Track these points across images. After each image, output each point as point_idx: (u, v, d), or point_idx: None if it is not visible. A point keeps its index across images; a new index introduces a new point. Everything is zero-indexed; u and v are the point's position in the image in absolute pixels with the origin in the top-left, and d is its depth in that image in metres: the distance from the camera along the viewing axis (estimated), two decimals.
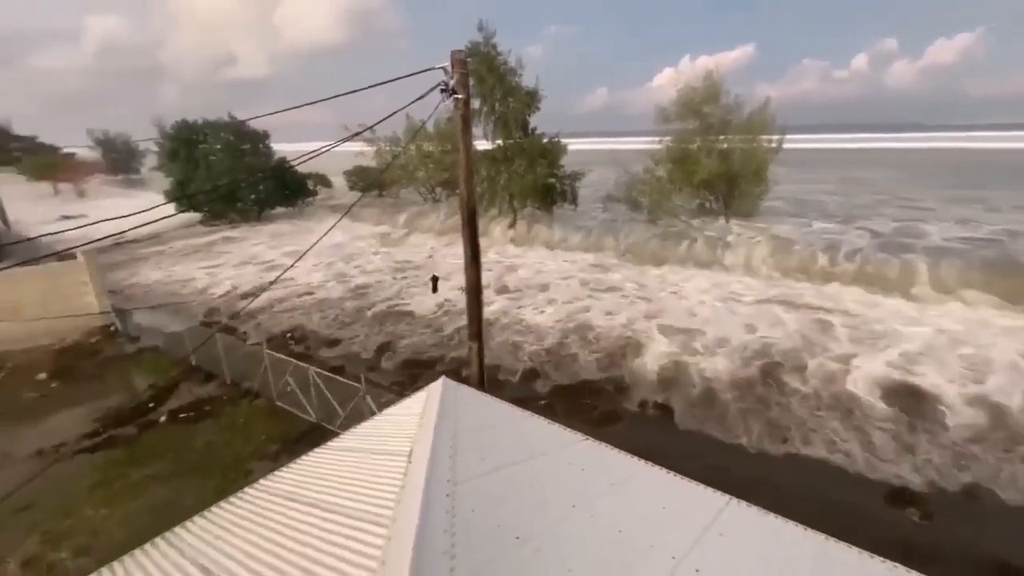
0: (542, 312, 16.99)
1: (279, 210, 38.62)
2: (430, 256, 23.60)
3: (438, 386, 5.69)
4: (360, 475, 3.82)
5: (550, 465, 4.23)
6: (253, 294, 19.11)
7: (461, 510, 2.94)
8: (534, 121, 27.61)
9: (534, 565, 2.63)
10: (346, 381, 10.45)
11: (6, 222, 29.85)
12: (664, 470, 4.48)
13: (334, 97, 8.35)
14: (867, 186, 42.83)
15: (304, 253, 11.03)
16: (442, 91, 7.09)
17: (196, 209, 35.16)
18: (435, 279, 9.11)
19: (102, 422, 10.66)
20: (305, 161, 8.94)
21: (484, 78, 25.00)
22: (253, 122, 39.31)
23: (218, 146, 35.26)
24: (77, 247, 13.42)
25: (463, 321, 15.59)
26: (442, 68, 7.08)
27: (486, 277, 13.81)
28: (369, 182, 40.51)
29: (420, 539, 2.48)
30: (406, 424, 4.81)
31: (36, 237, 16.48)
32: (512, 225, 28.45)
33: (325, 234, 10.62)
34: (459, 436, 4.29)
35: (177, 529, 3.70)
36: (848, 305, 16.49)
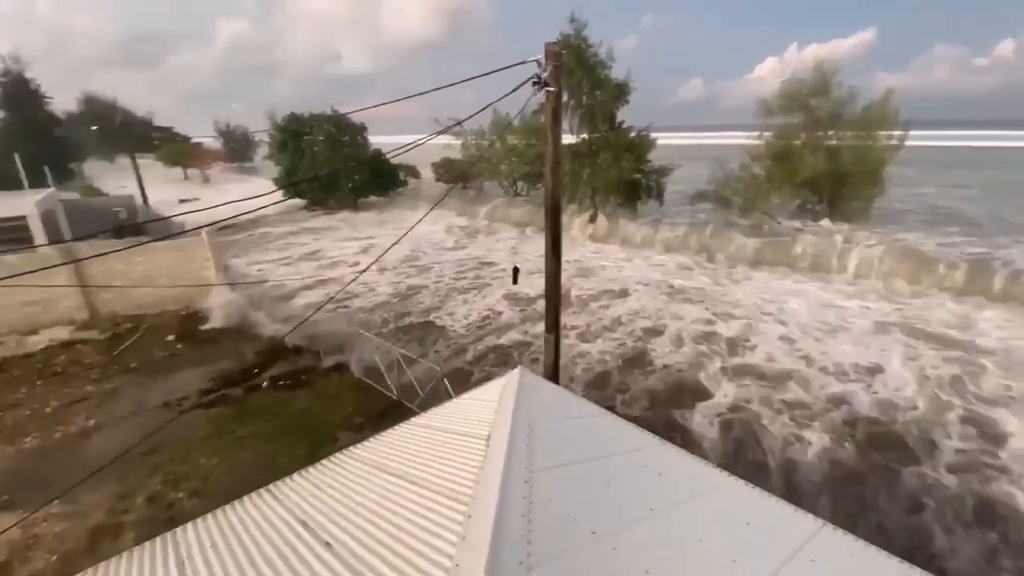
0: (597, 337, 14.51)
1: (372, 198, 40.94)
2: (514, 248, 23.69)
3: (515, 375, 5.76)
4: (440, 452, 3.97)
5: (627, 465, 4.14)
6: (289, 298, 18.81)
7: (538, 498, 2.96)
8: (622, 114, 27.01)
9: (610, 562, 2.60)
10: (426, 363, 10.99)
11: (146, 202, 34.28)
12: (749, 485, 4.22)
13: (429, 92, 8.71)
14: (1020, 192, 36.49)
15: (377, 258, 11.59)
16: (534, 84, 7.14)
17: (300, 196, 38.28)
18: (516, 270, 9.21)
19: (216, 382, 11.99)
20: (400, 153, 9.38)
21: (573, 71, 24.80)
22: (353, 115, 41.86)
23: (321, 138, 38.06)
24: (194, 229, 15.14)
25: (497, 340, 14.49)
26: (535, 61, 7.13)
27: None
28: (455, 174, 41.79)
29: (499, 521, 2.54)
30: (483, 409, 4.92)
31: (167, 217, 18.86)
32: (592, 220, 28.07)
33: (406, 233, 11.12)
34: (535, 426, 4.32)
35: (279, 483, 4.07)
36: (1008, 342, 13.12)
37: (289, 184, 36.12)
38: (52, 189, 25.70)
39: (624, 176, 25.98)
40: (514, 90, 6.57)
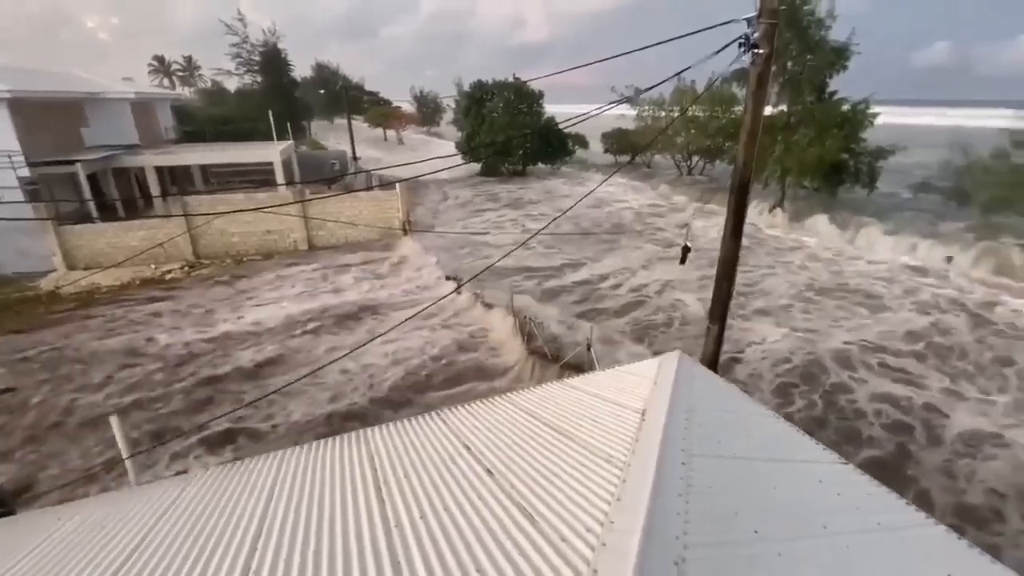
0: None
1: (539, 166, 41.89)
2: (685, 225, 22.23)
3: (673, 356, 5.52)
4: (592, 415, 4.03)
5: (797, 474, 3.73)
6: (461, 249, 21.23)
7: (696, 482, 2.84)
8: (835, 83, 23.09)
9: (774, 565, 2.40)
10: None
11: (355, 157, 39.93)
12: (957, 536, 3.50)
13: (612, 58, 8.43)
14: None
15: (546, 225, 11.73)
16: (740, 45, 6.48)
17: (477, 161, 40.86)
18: (686, 249, 8.68)
19: None
20: (575, 123, 9.36)
21: (781, 32, 21.75)
22: (532, 82, 42.83)
23: (500, 104, 39.80)
24: (382, 184, 17.16)
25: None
26: (745, 19, 6.45)
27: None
28: (625, 146, 40.49)
29: (656, 492, 2.50)
30: (639, 384, 4.83)
31: (372, 170, 21.92)
32: (777, 206, 24.94)
33: (578, 202, 11.10)
34: (695, 411, 4.11)
35: (444, 410, 4.57)
36: None
37: (468, 149, 38.76)
38: (291, 142, 31.42)
39: (827, 156, 22.28)
40: (719, 51, 6.02)
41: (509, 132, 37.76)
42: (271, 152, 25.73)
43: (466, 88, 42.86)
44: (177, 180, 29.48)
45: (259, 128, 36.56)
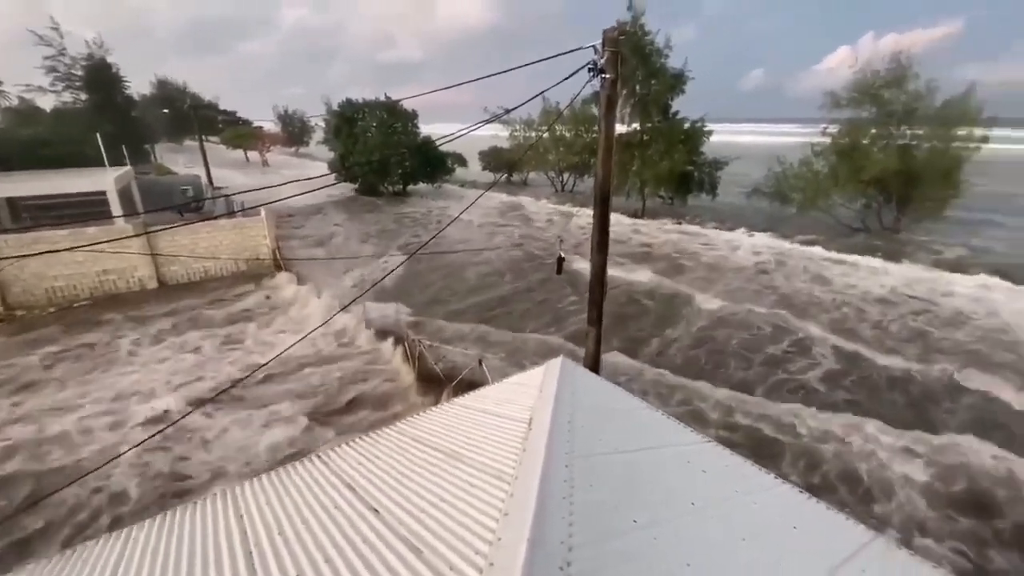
0: None
1: (420, 186, 41.51)
2: (559, 237, 23.43)
3: (556, 363, 5.76)
4: (482, 432, 4.04)
5: (669, 459, 4.08)
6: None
7: (579, 483, 2.97)
8: (677, 105, 26.25)
9: (651, 551, 2.58)
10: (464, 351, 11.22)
11: (211, 182, 36.18)
12: (798, 489, 4.08)
13: (480, 79, 8.72)
14: None
15: (430, 239, 11.74)
16: (590, 71, 7.05)
17: (352, 181, 39.28)
18: (561, 260, 9.16)
19: None
20: (448, 141, 9.48)
21: (627, 59, 24.24)
22: (405, 102, 42.50)
23: (373, 124, 38.85)
24: (253, 207, 15.84)
25: None
26: (592, 47, 7.04)
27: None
28: (502, 163, 41.83)
29: (541, 501, 2.56)
30: (525, 394, 4.96)
31: (231, 194, 19.99)
32: (639, 215, 27.51)
33: (458, 216, 11.24)
34: (577, 413, 4.32)
35: (327, 450, 4.27)
36: None
37: (343, 168, 37.19)
38: (129, 167, 27.53)
39: (676, 168, 25.29)
40: (569, 76, 6.50)
41: (384, 151, 36.97)
42: (104, 179, 22.22)
43: (335, 107, 41.16)
44: None
45: (85, 152, 31.43)
